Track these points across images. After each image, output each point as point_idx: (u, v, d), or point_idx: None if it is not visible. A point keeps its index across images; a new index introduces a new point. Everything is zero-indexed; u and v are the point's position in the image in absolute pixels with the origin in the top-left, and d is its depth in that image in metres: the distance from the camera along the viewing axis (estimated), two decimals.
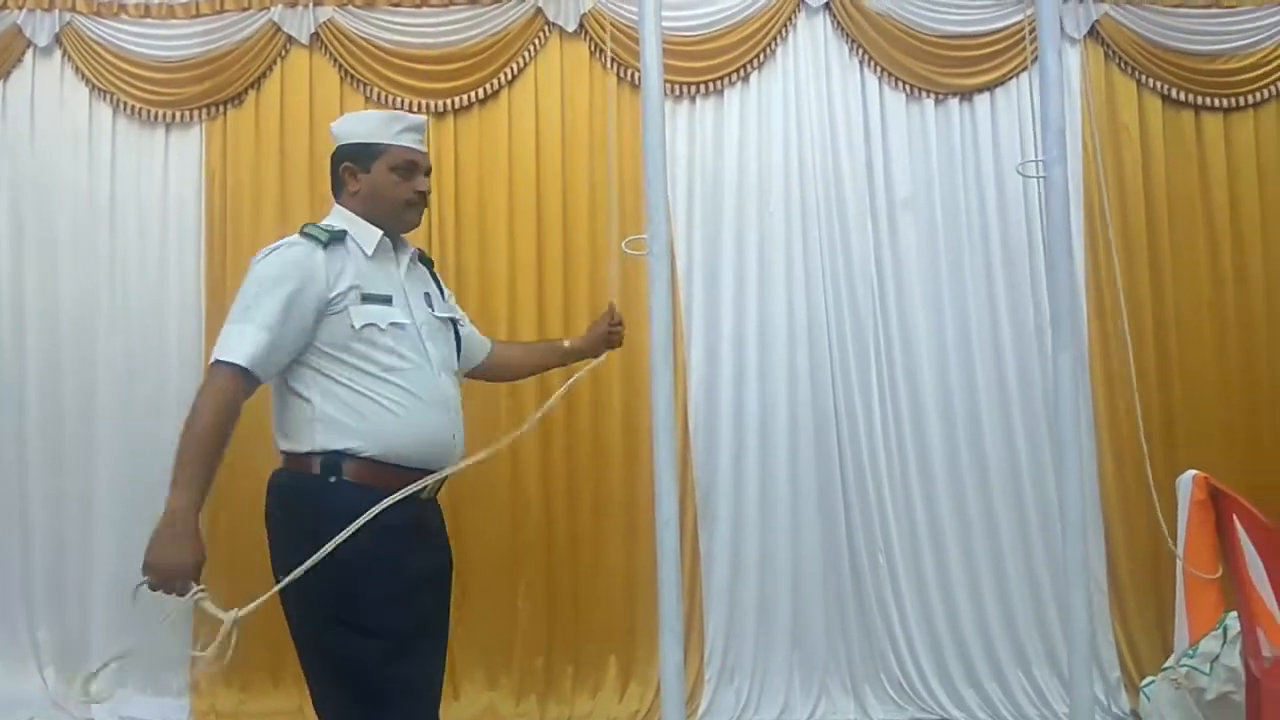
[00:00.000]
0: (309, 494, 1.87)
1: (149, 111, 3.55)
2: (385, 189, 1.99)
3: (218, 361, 1.82)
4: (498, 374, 2.32)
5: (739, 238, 3.51)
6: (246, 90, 3.56)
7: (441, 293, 2.12)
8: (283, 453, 1.94)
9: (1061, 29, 3.57)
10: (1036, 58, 3.57)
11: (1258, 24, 3.60)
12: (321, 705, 1.87)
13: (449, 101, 3.56)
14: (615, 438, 3.41)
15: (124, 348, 3.50)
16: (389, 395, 1.87)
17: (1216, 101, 3.59)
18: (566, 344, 2.32)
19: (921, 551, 3.43)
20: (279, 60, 3.57)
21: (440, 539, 2.00)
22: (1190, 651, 2.97)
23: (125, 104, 3.55)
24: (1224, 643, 2.84)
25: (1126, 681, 3.36)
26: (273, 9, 3.54)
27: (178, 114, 3.55)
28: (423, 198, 2.03)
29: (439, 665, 1.93)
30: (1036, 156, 3.63)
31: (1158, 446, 3.44)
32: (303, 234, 1.94)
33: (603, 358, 2.26)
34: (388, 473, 1.85)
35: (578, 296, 3.47)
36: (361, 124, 2.03)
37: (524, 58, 3.57)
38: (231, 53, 3.54)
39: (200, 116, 3.56)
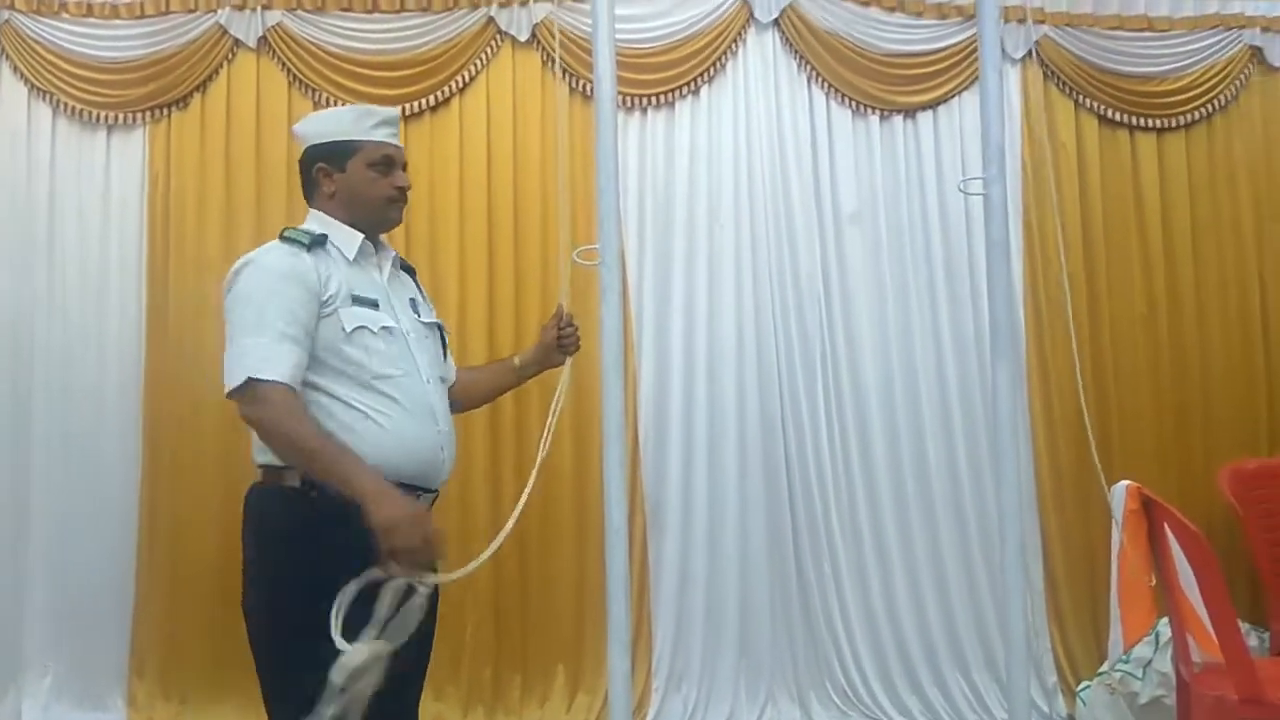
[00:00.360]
0: (289, 510, 1.78)
1: (90, 113, 3.48)
2: (363, 187, 1.92)
3: (257, 380, 1.69)
4: (455, 403, 2.10)
5: (689, 249, 3.54)
6: (191, 93, 3.50)
7: (424, 301, 2.07)
8: (261, 466, 1.83)
9: (1002, 50, 3.67)
10: (974, 80, 3.69)
11: (1189, 48, 3.73)
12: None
13: (400, 109, 3.53)
14: (565, 447, 3.41)
15: (62, 353, 3.42)
16: (376, 406, 1.81)
17: (1150, 122, 3.71)
18: (517, 361, 2.22)
19: (866, 559, 3.48)
20: (225, 64, 3.52)
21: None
22: (1124, 657, 3.07)
23: (65, 104, 3.47)
24: (1156, 648, 2.95)
25: (1063, 686, 3.44)
26: (219, 12, 3.49)
27: (120, 116, 3.48)
28: (403, 193, 1.97)
29: (411, 686, 1.90)
30: (977, 174, 3.75)
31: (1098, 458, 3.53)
32: (283, 239, 1.86)
33: (566, 365, 2.15)
34: None
35: (529, 306, 3.47)
36: (331, 121, 1.96)
37: (475, 66, 3.57)
38: (176, 55, 3.48)
39: (143, 119, 3.49)
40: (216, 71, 3.51)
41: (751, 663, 3.39)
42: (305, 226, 1.91)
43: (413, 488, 1.86)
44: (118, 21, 3.49)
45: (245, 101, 3.51)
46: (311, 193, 1.95)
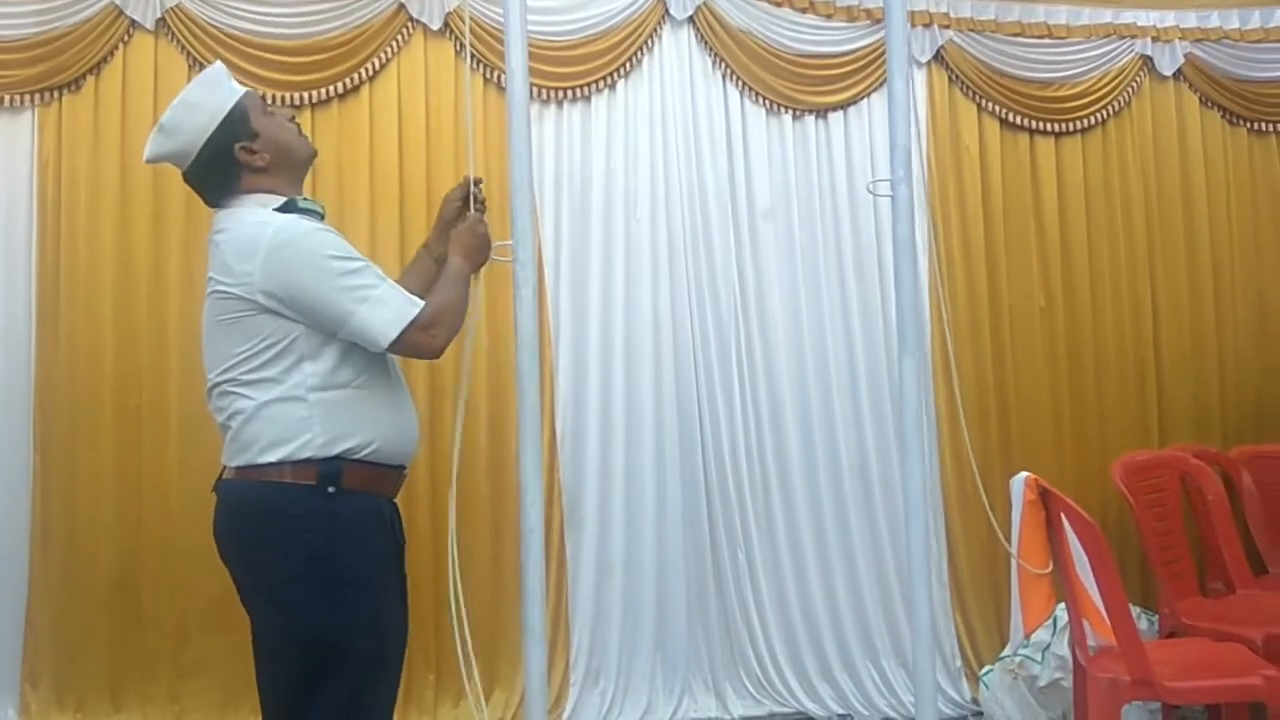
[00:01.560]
0: (306, 509, 1.72)
1: None
2: (281, 133, 1.87)
3: (417, 316, 1.76)
4: None
5: (606, 242, 3.54)
6: (85, 75, 3.33)
7: None
8: (258, 465, 1.73)
9: (909, 53, 3.76)
10: (882, 82, 3.78)
11: (1086, 55, 3.88)
12: None
13: (307, 95, 3.44)
14: (480, 440, 3.38)
15: None
16: (380, 386, 1.81)
17: (1049, 126, 3.84)
18: (426, 246, 2.12)
19: (779, 550, 3.54)
20: (121, 45, 3.37)
21: (404, 545, 1.94)
22: (1025, 642, 3.18)
23: None
24: (1054, 633, 3.07)
25: (967, 671, 3.55)
26: None
27: (7, 98, 3.29)
28: (296, 120, 1.95)
29: (399, 677, 1.91)
30: (886, 176, 3.83)
31: (995, 448, 3.66)
32: (300, 211, 1.82)
33: (469, 338, 2.01)
34: (380, 474, 1.79)
35: None
36: (204, 104, 1.81)
37: (386, 53, 3.49)
38: (68, 35, 3.31)
39: (32, 101, 3.31)
40: (111, 53, 3.35)
41: (668, 655, 3.42)
42: (274, 208, 1.81)
43: (402, 468, 1.89)
44: None
45: (142, 85, 3.36)
46: (235, 181, 1.82)
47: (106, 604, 3.21)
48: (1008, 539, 3.48)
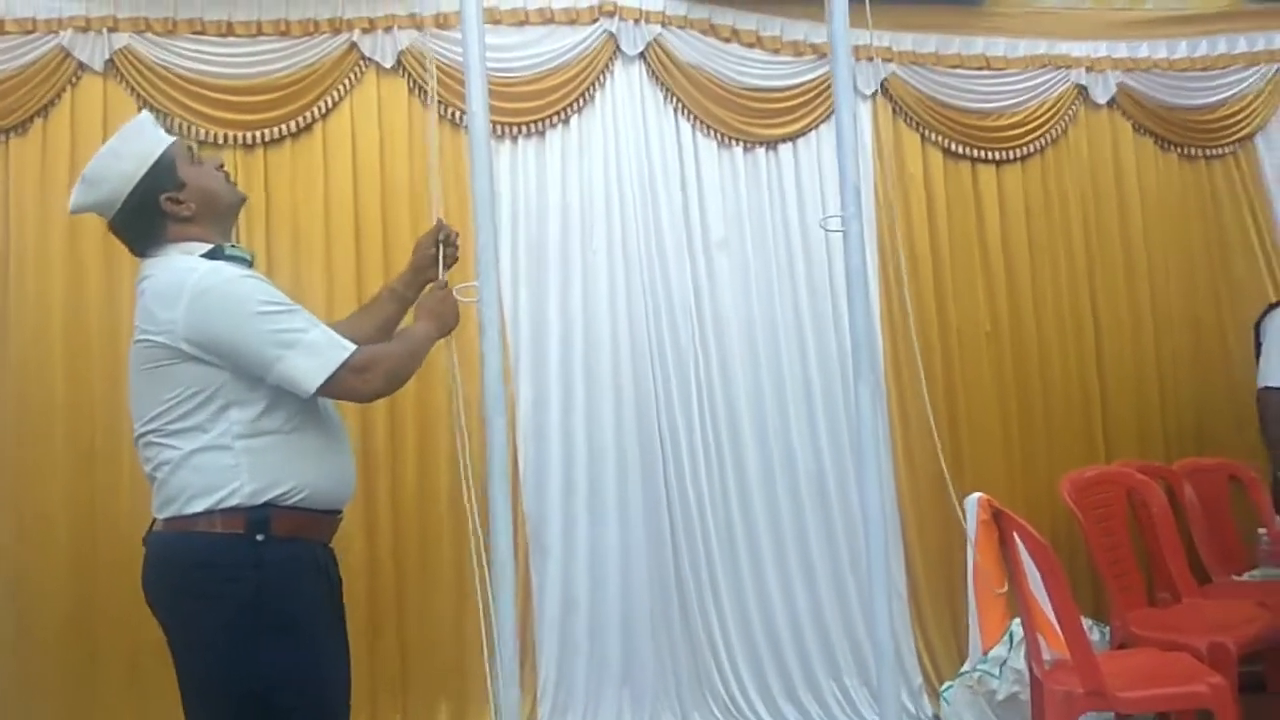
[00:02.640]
0: (234, 558, 1.70)
1: None
2: (209, 181, 1.87)
3: (349, 359, 1.76)
4: None
5: (564, 274, 3.58)
6: (31, 119, 3.32)
7: None
8: (185, 516, 1.72)
9: (854, 86, 3.86)
10: (829, 114, 3.87)
11: (1023, 85, 4.01)
12: None
13: (258, 134, 3.45)
14: (441, 473, 3.38)
15: None
16: (310, 429, 1.79)
17: (990, 154, 3.96)
18: (394, 285, 2.15)
19: (742, 572, 3.58)
20: (69, 87, 3.35)
21: (340, 587, 1.92)
22: (983, 658, 3.25)
23: None
24: (1010, 648, 3.14)
25: (928, 687, 3.61)
26: (61, 34, 3.32)
27: None
28: (224, 169, 1.95)
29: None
30: (835, 208, 3.91)
31: (954, 468, 3.73)
32: (228, 258, 1.81)
33: (443, 278, 2.06)
34: (312, 520, 1.78)
35: None
36: (128, 154, 1.81)
37: (338, 92, 3.51)
38: (13, 78, 3.29)
39: None
40: (59, 96, 3.34)
41: (635, 686, 3.43)
42: (200, 254, 1.81)
43: (334, 513, 1.88)
44: None
45: (90, 127, 3.34)
46: (160, 231, 1.82)
47: (59, 652, 3.16)
48: (963, 556, 3.58)
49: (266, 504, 1.71)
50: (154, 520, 1.81)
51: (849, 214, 2.29)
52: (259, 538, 1.70)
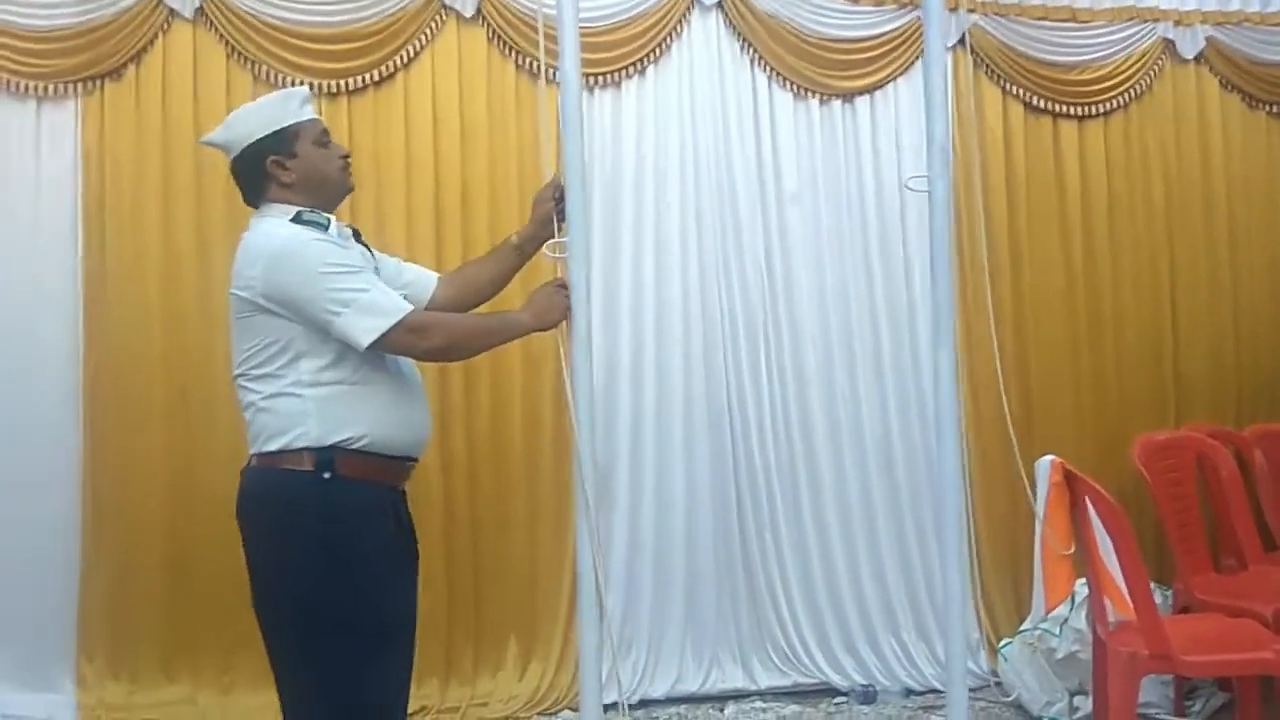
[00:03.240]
0: (302, 492, 1.85)
1: (18, 84, 3.35)
2: (321, 164, 2.00)
3: (405, 318, 1.86)
4: (461, 303, 2.23)
5: (636, 226, 3.61)
6: (126, 64, 3.40)
7: (375, 262, 2.10)
8: (264, 453, 1.89)
9: (945, 48, 3.80)
10: (908, 66, 3.81)
11: (1110, 38, 3.92)
12: (299, 707, 1.89)
13: (342, 83, 3.50)
14: (515, 419, 3.48)
15: None
16: (379, 381, 1.91)
17: (1072, 109, 3.89)
18: (515, 239, 2.21)
19: (805, 526, 3.65)
20: (161, 34, 3.42)
21: (411, 530, 2.04)
22: (1044, 617, 3.29)
23: None
24: (1071, 608, 3.17)
25: (986, 643, 3.67)
26: None
27: (50, 87, 3.36)
28: (348, 160, 2.06)
29: (412, 655, 1.99)
30: (910, 159, 3.87)
31: (1017, 431, 3.72)
32: (302, 222, 1.93)
33: (559, 236, 2.07)
34: (380, 464, 1.91)
35: None
36: (261, 113, 2.01)
37: (420, 41, 3.54)
38: (110, 24, 3.37)
39: (75, 91, 3.37)
40: (152, 42, 3.41)
41: (697, 629, 3.54)
42: (285, 219, 1.94)
43: (407, 459, 1.99)
44: None
45: (182, 74, 3.42)
46: (263, 189, 1.98)
47: (158, 580, 3.33)
48: (1024, 517, 3.60)
49: (333, 446, 1.84)
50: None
51: (935, 174, 2.25)
52: (325, 476, 1.84)
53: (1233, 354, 4.00)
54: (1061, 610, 3.21)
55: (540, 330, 2.04)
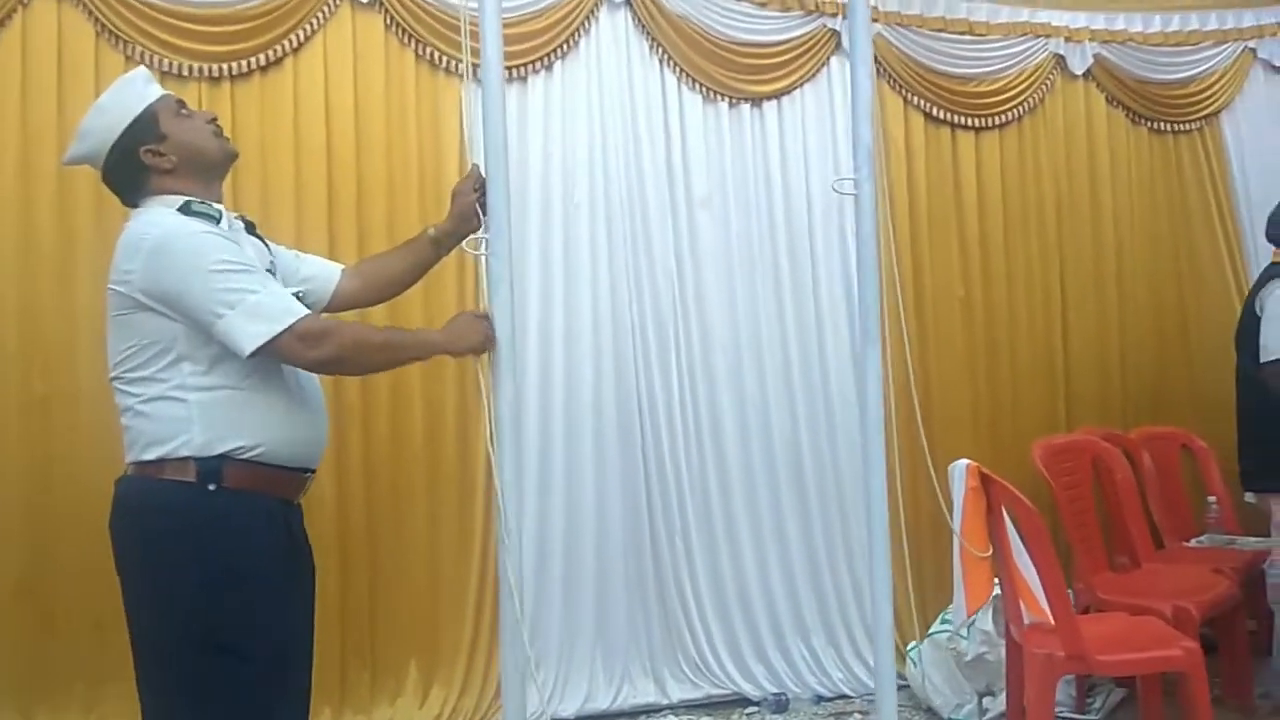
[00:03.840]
0: (184, 504, 1.70)
1: None
2: (193, 135, 1.85)
3: (297, 323, 1.70)
4: (367, 297, 2.12)
5: (544, 226, 3.49)
6: None
7: (271, 255, 1.95)
8: (142, 462, 1.73)
9: (839, 44, 3.82)
10: (815, 73, 3.80)
11: (1004, 51, 4.02)
12: None
13: (226, 66, 3.26)
14: (415, 423, 3.31)
15: None
16: (271, 386, 1.76)
17: (969, 121, 3.98)
18: (432, 231, 2.07)
19: (715, 534, 3.59)
20: (20, 8, 3.10)
21: (307, 546, 1.89)
22: (946, 616, 3.32)
23: None
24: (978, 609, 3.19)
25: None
26: None
27: None
28: (217, 122, 1.92)
29: (308, 682, 1.84)
30: (815, 163, 3.85)
31: (917, 434, 3.75)
32: (191, 213, 1.77)
33: (481, 231, 1.93)
34: (271, 475, 1.75)
35: None
36: (112, 108, 1.83)
37: (311, 25, 3.33)
38: None
39: None
40: (9, 18, 3.09)
41: (607, 643, 3.43)
42: (172, 209, 1.79)
43: (300, 470, 1.85)
44: None
45: (44, 54, 3.10)
46: (143, 184, 1.83)
47: (13, 608, 3.00)
48: (929, 520, 3.63)
49: (221, 455, 1.71)
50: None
51: (862, 176, 2.26)
52: (210, 487, 1.70)
53: (1118, 360, 4.16)
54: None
55: (451, 353, 1.91)
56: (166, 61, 3.20)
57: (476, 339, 1.85)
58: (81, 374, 3.04)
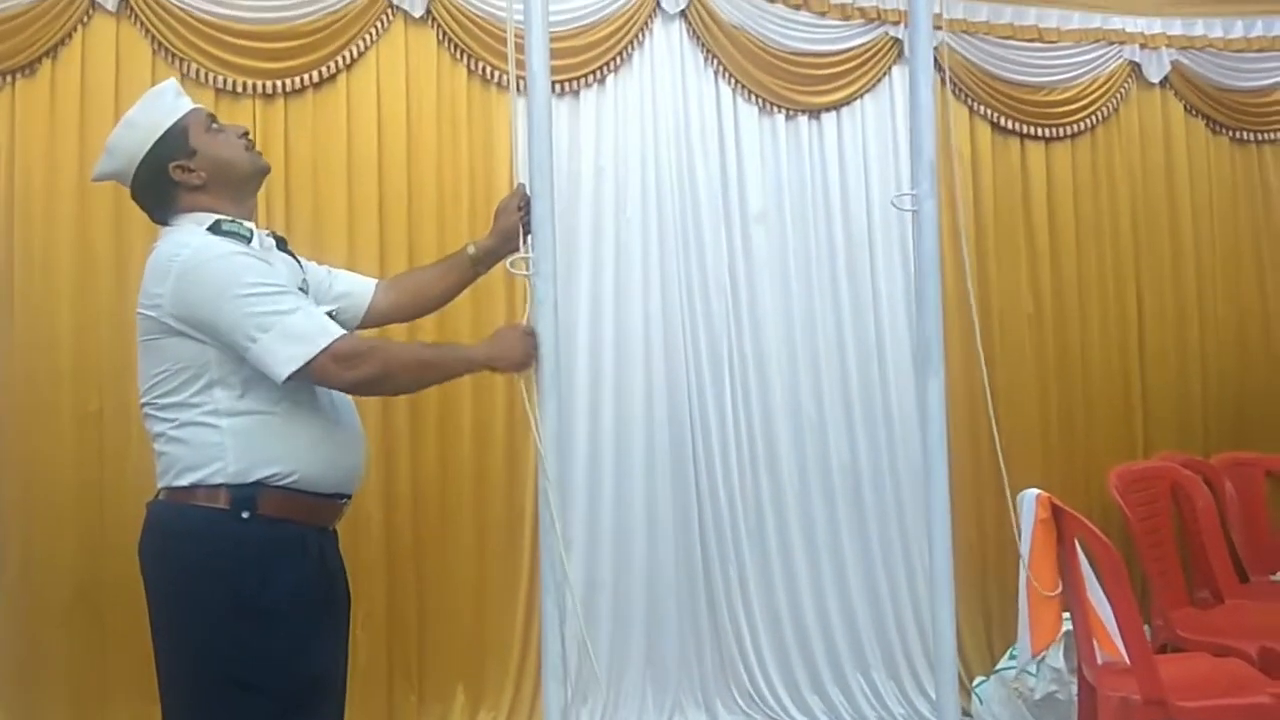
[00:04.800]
0: (216, 532, 1.65)
1: None
2: (224, 149, 1.80)
3: (333, 344, 1.65)
4: (403, 313, 2.08)
5: (595, 242, 3.42)
6: (40, 59, 3.10)
7: (304, 273, 1.90)
8: (174, 488, 1.69)
9: (901, 53, 3.70)
10: (876, 83, 3.69)
11: (1076, 59, 3.86)
12: None
13: (279, 83, 3.26)
14: (464, 445, 3.25)
15: None
16: (306, 410, 1.72)
17: (1039, 131, 3.82)
18: (472, 250, 2.01)
19: (770, 561, 3.47)
20: (80, 27, 3.14)
21: (342, 574, 1.83)
22: (1014, 651, 3.16)
23: None
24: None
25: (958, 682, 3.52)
26: None
27: None
28: (249, 136, 1.87)
29: (340, 712, 1.80)
30: (876, 173, 3.73)
31: (985, 459, 3.60)
32: (221, 233, 1.72)
33: (524, 251, 1.85)
34: (306, 503, 1.71)
35: None
36: (141, 123, 1.79)
37: (364, 41, 3.32)
38: (22, 15, 3.07)
39: None
40: (69, 35, 3.12)
41: (658, 671, 3.33)
42: (202, 228, 1.75)
43: (335, 497, 1.79)
44: None
45: (103, 70, 3.14)
46: (173, 201, 1.78)
47: (67, 621, 3.02)
48: (996, 550, 3.48)
49: (256, 483, 1.67)
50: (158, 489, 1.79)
51: (922, 191, 2.14)
52: (244, 515, 1.66)
53: (1199, 380, 3.95)
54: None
55: (494, 369, 1.83)
56: (221, 78, 3.21)
57: (520, 355, 1.77)
58: (134, 391, 3.04)
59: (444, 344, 2.01)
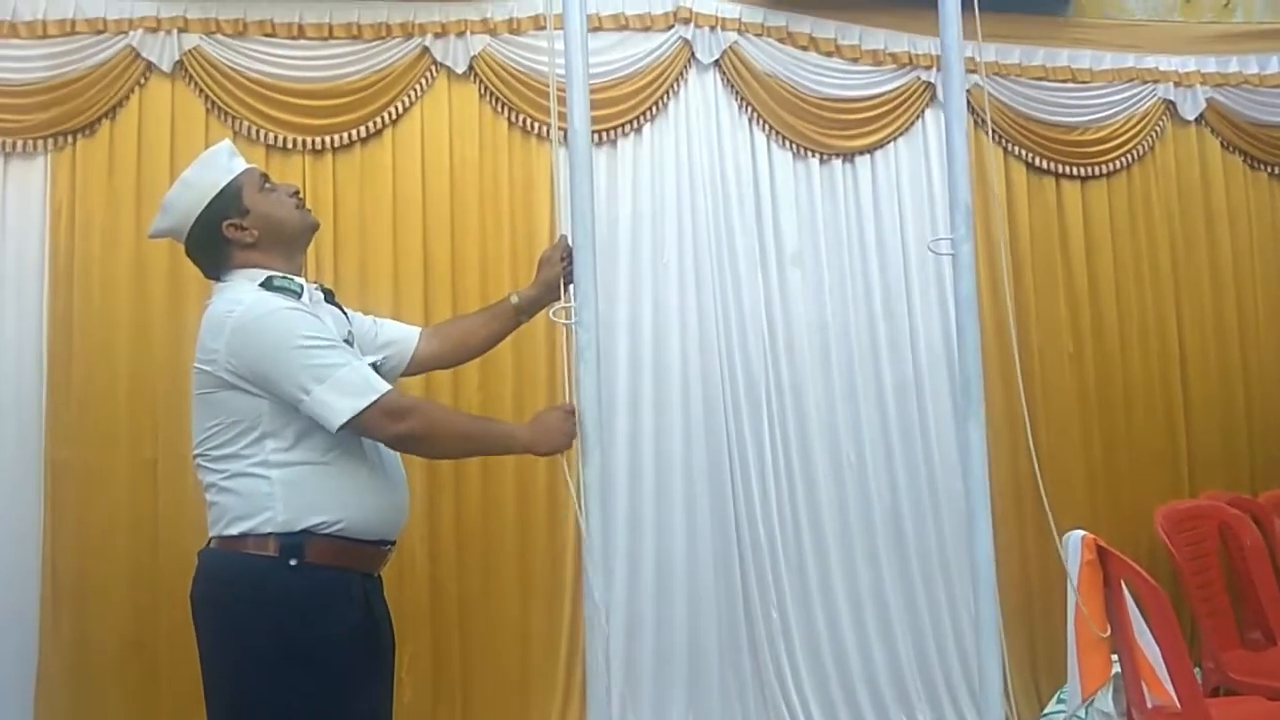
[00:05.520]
0: (265, 579, 1.70)
1: None
2: (276, 209, 1.87)
3: (381, 398, 1.72)
4: (446, 360, 2.16)
5: (633, 288, 3.47)
6: (99, 119, 3.24)
7: (350, 324, 1.97)
8: (225, 536, 1.75)
9: (934, 96, 3.74)
10: (909, 126, 3.73)
11: (1110, 99, 3.88)
12: None
13: (328, 139, 3.37)
14: (508, 495, 3.29)
15: None
16: (351, 459, 1.77)
17: (1074, 170, 3.83)
18: (515, 299, 2.10)
19: (812, 600, 3.46)
20: (137, 89, 3.28)
21: (386, 619, 1.87)
22: (1063, 695, 3.12)
23: None
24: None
25: None
26: (131, 34, 3.25)
27: (19, 143, 3.19)
28: (299, 195, 1.94)
29: None
30: (909, 216, 3.76)
31: (1028, 499, 3.57)
32: (273, 289, 1.79)
33: (563, 299, 1.94)
34: (353, 549, 1.76)
35: None
36: (197, 183, 1.87)
37: (409, 97, 3.43)
38: (83, 78, 3.22)
39: (45, 147, 3.21)
40: (127, 97, 3.27)
41: (700, 711, 3.32)
42: (255, 284, 1.82)
43: (380, 543, 1.84)
44: (18, 41, 3.20)
45: (159, 129, 3.27)
46: (226, 258, 1.86)
47: (120, 663, 3.09)
48: (1042, 591, 3.44)
49: (304, 531, 1.71)
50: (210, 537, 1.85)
51: (959, 236, 2.16)
52: (291, 563, 1.70)
53: (1244, 418, 3.91)
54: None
55: (534, 453, 1.89)
56: (272, 135, 3.32)
57: (561, 440, 1.84)
58: (187, 442, 3.13)
59: (489, 420, 2.06)
